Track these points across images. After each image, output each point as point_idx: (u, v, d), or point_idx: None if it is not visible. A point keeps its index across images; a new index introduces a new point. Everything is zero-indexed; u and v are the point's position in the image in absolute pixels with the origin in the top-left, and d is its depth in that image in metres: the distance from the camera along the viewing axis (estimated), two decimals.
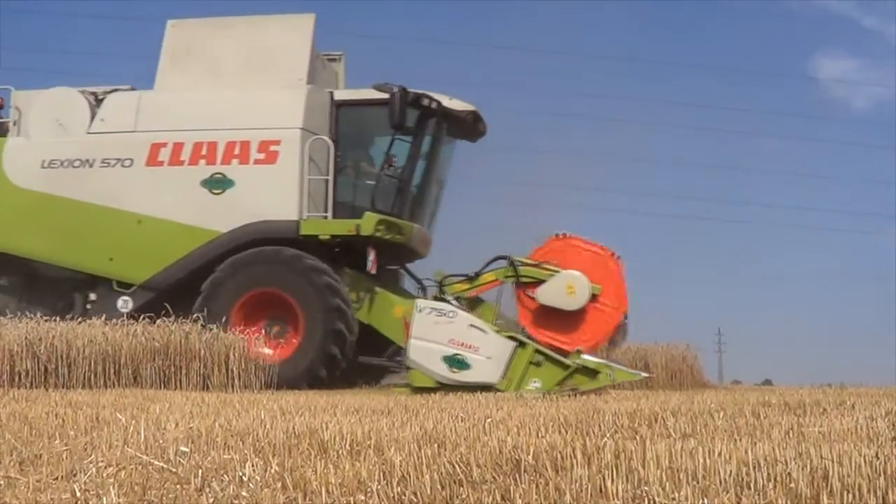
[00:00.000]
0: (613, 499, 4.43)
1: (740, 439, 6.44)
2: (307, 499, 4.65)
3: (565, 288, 16.94)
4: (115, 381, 15.44)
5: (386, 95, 18.06)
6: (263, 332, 17.47)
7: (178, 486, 4.95)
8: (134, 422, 7.67)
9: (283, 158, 18.11)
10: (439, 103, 18.45)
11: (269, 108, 18.52)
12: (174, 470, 5.32)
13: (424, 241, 19.70)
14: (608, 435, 6.83)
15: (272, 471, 5.18)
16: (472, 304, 17.38)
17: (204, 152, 18.37)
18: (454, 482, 4.89)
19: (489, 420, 8.19)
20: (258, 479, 5.00)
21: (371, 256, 17.88)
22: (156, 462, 5.51)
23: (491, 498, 4.53)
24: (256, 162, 18.20)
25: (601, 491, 4.55)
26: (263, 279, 17.78)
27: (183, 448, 5.96)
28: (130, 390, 14.17)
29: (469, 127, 19.49)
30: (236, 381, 15.89)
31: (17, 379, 15.18)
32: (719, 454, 5.33)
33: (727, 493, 4.47)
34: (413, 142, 18.52)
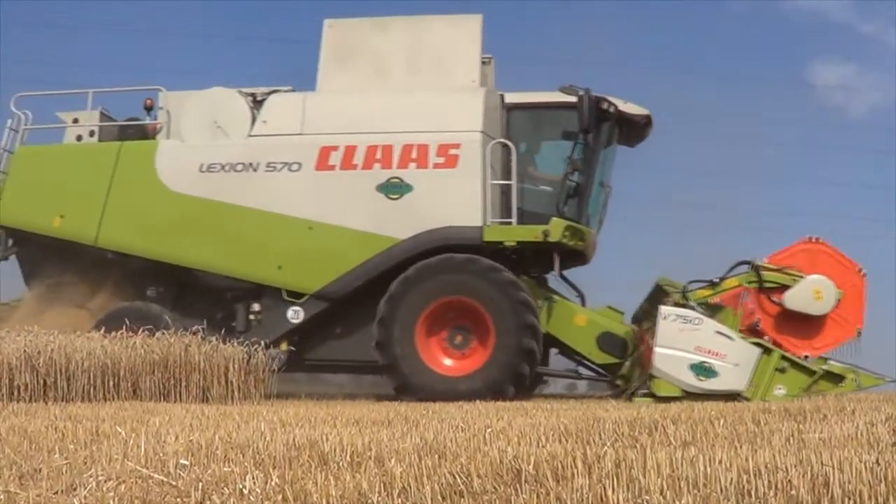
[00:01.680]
0: None
1: (741, 446, 6.44)
2: None
3: (812, 293, 16.66)
4: (114, 394, 15.39)
5: (559, 99, 17.84)
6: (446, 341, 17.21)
7: (178, 500, 4.96)
8: (134, 435, 7.66)
9: (463, 162, 17.46)
10: (616, 107, 18.08)
11: (447, 111, 17.91)
12: (174, 483, 5.31)
13: (594, 247, 19.16)
14: (608, 443, 6.83)
15: (273, 483, 5.17)
16: (713, 310, 16.88)
17: (379, 156, 17.70)
18: (455, 493, 4.89)
19: (489, 430, 8.18)
20: (259, 491, 5.00)
21: (557, 263, 17.67)
22: (156, 475, 5.51)
23: None
24: (436, 166, 17.53)
25: (602, 500, 4.55)
26: (455, 288, 17.14)
27: (183, 461, 5.96)
28: (130, 403, 14.14)
29: (639, 131, 19.06)
30: (236, 392, 15.85)
31: (16, 393, 15.12)
32: (720, 462, 5.32)
33: (728, 501, 4.48)
34: (591, 145, 18.06)
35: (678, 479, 4.89)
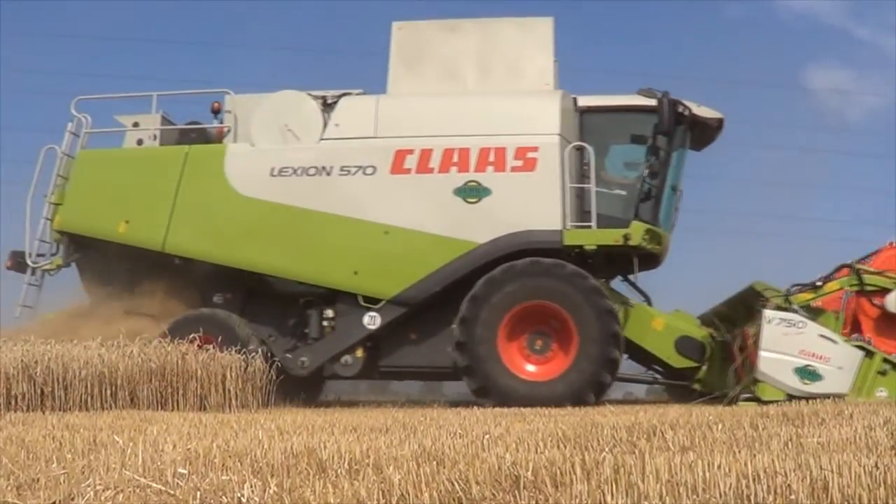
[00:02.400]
0: None
1: (739, 451, 6.43)
2: None
3: None
4: (111, 403, 15.38)
5: (635, 102, 17.87)
6: (526, 346, 17.08)
7: None
8: (131, 444, 7.65)
9: (542, 166, 17.30)
10: (690, 110, 18.05)
11: (524, 114, 17.77)
12: (172, 492, 5.30)
13: (666, 251, 19.00)
14: (607, 449, 6.82)
15: (271, 491, 5.16)
16: (815, 314, 16.59)
17: (455, 159, 17.54)
18: (453, 500, 4.88)
19: (487, 436, 8.17)
20: (257, 500, 4.99)
21: (636, 267, 17.72)
22: (154, 485, 5.50)
23: None
24: (514, 169, 17.37)
25: None
26: (540, 292, 16.94)
27: (181, 470, 5.94)
28: (128, 412, 14.13)
29: (709, 135, 19.00)
30: (234, 400, 15.86)
31: (13, 402, 15.10)
32: (719, 467, 5.32)
33: None
34: (667, 149, 18.05)
35: (677, 484, 4.88)
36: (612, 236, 17.23)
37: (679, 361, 17.80)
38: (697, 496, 4.67)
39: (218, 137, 19.14)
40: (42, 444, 8.01)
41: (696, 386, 17.67)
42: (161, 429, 9.91)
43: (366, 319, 17.65)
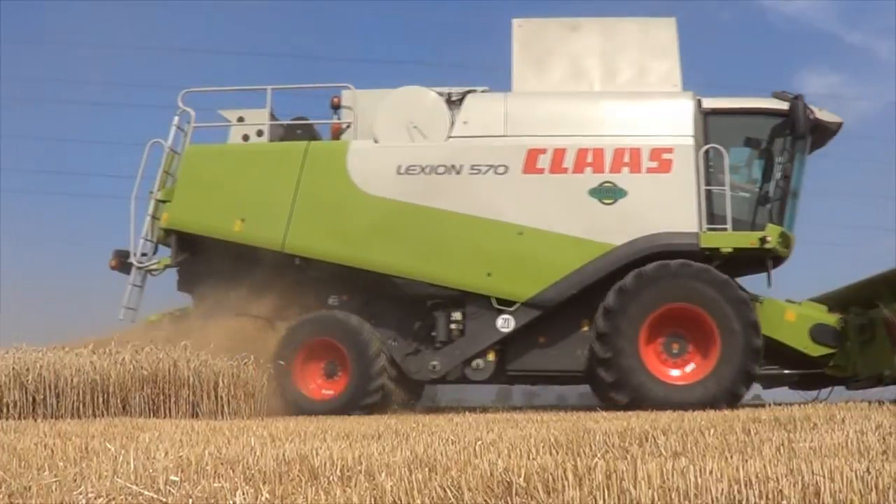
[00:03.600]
0: None
1: (731, 456, 6.44)
2: None
3: None
4: (103, 411, 15.38)
5: (764, 105, 17.86)
6: (663, 350, 16.99)
7: None
8: (123, 451, 7.64)
9: (677, 168, 17.20)
10: (813, 113, 17.95)
11: (657, 115, 17.68)
12: (164, 500, 5.30)
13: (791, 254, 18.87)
14: (599, 455, 6.82)
15: (263, 499, 5.15)
16: None
17: (590, 159, 17.33)
18: None
19: (480, 442, 8.17)
20: None
21: (770, 270, 17.62)
22: (146, 492, 5.49)
23: None
24: (649, 171, 17.22)
25: None
26: (675, 295, 16.84)
27: (173, 477, 5.94)
28: (120, 419, 14.11)
29: (826, 138, 18.87)
30: (226, 407, 15.85)
31: (5, 410, 15.12)
32: (710, 472, 5.32)
33: None
34: (796, 152, 18.00)
35: (669, 490, 4.88)
36: (749, 239, 17.26)
37: (816, 350, 17.60)
38: (689, 502, 4.68)
39: (334, 134, 18.75)
40: (34, 452, 7.99)
41: (830, 371, 17.62)
42: (153, 436, 9.90)
43: (499, 322, 17.41)
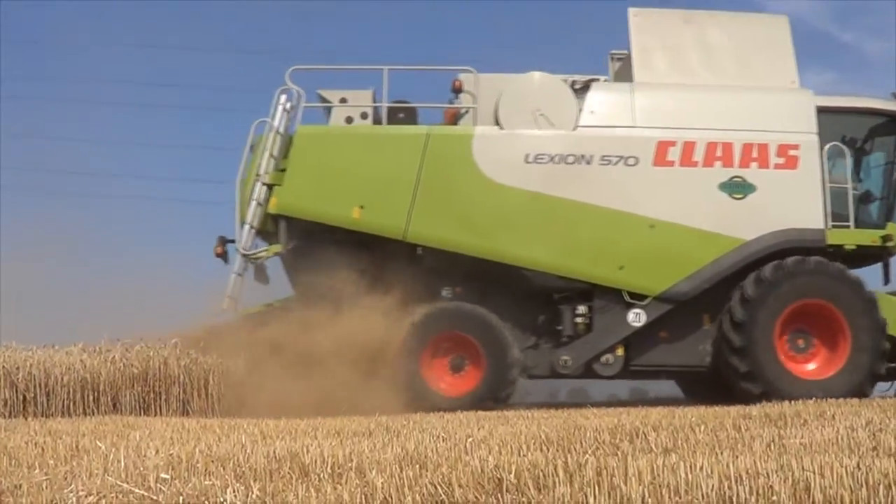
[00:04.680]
0: None
1: (722, 453, 6.45)
2: None
3: None
4: (94, 409, 15.34)
5: (878, 105, 17.90)
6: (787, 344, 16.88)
7: None
8: (114, 449, 7.63)
9: (803, 164, 17.15)
10: None
11: (782, 112, 17.56)
12: (155, 497, 5.29)
13: None
14: (590, 452, 6.83)
15: (253, 496, 5.15)
16: None
17: (719, 153, 17.19)
18: (436, 503, 4.88)
19: (470, 439, 8.17)
20: None
21: (889, 267, 17.68)
22: (136, 490, 5.48)
23: None
24: (776, 167, 17.15)
25: None
26: (812, 290, 16.79)
27: (163, 475, 5.93)
28: (110, 417, 14.08)
29: None
30: (216, 405, 15.82)
31: None
32: (701, 468, 5.33)
33: None
34: None
35: (659, 486, 4.89)
36: (871, 237, 17.35)
37: None
38: (680, 498, 4.68)
39: (450, 118, 18.18)
40: (24, 451, 7.98)
41: None
42: (144, 434, 9.87)
43: (630, 316, 17.19)
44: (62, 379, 15.33)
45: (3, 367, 15.21)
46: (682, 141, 17.18)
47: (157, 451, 7.54)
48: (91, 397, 15.44)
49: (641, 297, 17.14)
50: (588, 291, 17.31)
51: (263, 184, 17.39)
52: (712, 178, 17.13)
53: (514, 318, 17.33)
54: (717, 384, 17.47)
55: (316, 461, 6.49)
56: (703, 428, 8.73)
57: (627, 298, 17.09)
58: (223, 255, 17.95)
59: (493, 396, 16.64)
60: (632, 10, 18.20)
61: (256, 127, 17.75)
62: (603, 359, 17.33)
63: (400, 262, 17.09)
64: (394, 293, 16.77)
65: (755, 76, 17.80)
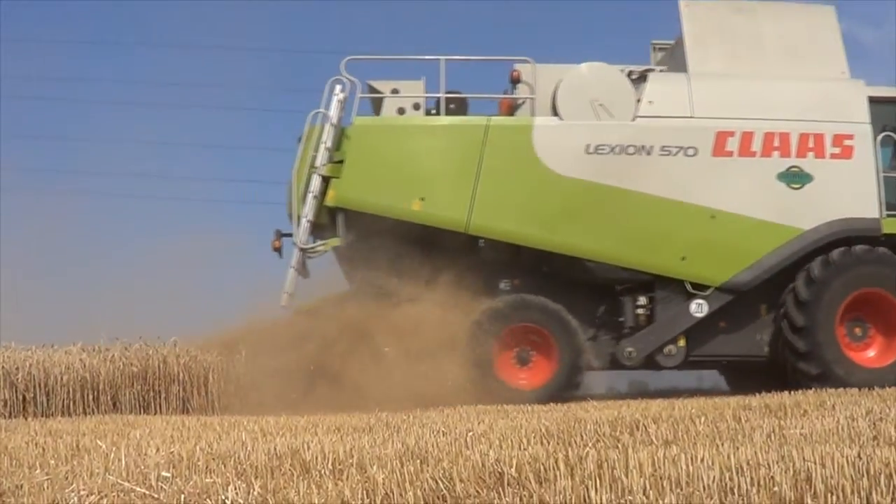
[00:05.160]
0: None
1: (722, 444, 6.45)
2: None
3: None
4: (94, 408, 15.35)
5: None
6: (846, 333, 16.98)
7: None
8: (115, 448, 7.63)
9: (858, 154, 17.16)
10: None
11: (837, 101, 17.54)
12: (156, 496, 5.29)
13: None
14: (590, 444, 6.83)
15: (255, 493, 5.15)
16: None
17: (776, 144, 17.17)
18: (437, 498, 4.89)
19: (471, 434, 8.17)
20: (241, 502, 4.99)
21: None
22: (138, 488, 5.48)
23: None
24: (832, 156, 17.18)
25: (585, 501, 4.55)
26: (876, 279, 16.90)
27: (164, 473, 5.93)
28: (110, 416, 14.08)
29: None
30: (216, 403, 15.82)
31: None
32: (702, 460, 5.33)
33: (711, 499, 4.48)
34: None
35: (661, 478, 4.89)
36: None
37: None
38: (681, 490, 4.68)
39: (506, 109, 17.95)
40: (25, 451, 7.98)
41: None
42: (144, 433, 9.88)
43: (692, 307, 17.16)
44: (62, 378, 15.34)
45: (3, 367, 15.22)
46: (740, 131, 17.19)
47: (157, 450, 7.55)
48: (91, 396, 15.45)
49: (703, 287, 17.15)
50: (649, 282, 17.32)
51: (320, 176, 17.16)
52: (770, 169, 17.16)
53: (574, 309, 17.22)
54: (763, 374, 17.55)
55: (317, 457, 6.49)
56: (703, 419, 8.73)
57: (690, 289, 17.12)
58: (280, 250, 17.68)
59: (566, 388, 16.70)
60: (683, 1, 18.16)
61: (312, 118, 17.42)
62: (665, 350, 17.28)
63: (457, 254, 16.97)
64: (453, 286, 16.61)
65: (806, 67, 17.81)
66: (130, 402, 15.55)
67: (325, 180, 17.11)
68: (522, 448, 6.69)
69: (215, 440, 8.48)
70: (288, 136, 17.54)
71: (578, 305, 17.28)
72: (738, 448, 6.05)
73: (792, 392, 13.36)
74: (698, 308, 17.08)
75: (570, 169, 16.98)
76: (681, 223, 17.02)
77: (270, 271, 17.72)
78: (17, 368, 15.26)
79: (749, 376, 18.13)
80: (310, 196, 17.07)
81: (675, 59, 18.39)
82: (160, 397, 15.73)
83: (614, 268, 17.11)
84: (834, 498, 4.38)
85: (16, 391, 15.15)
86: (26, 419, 14.01)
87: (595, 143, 16.99)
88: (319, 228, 17.43)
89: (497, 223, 17.05)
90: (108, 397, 15.51)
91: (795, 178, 17.12)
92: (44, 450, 8.04)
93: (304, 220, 17.02)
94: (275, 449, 7.11)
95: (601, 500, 4.50)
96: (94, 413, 15.10)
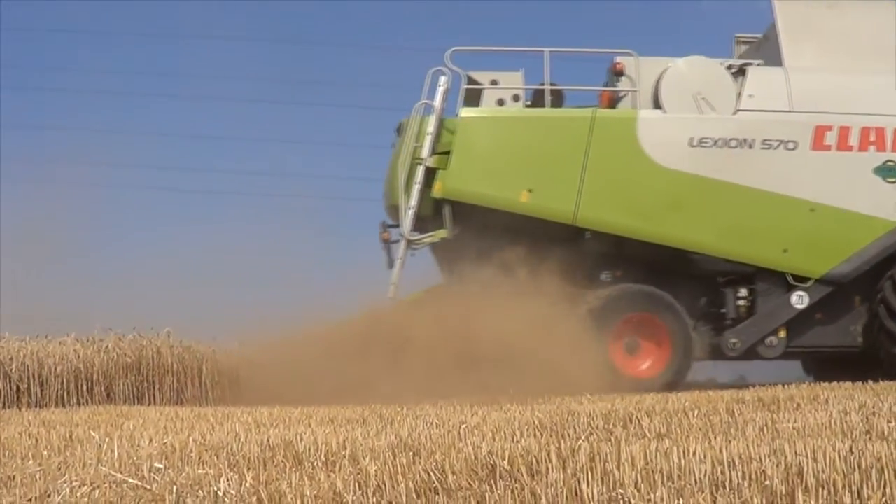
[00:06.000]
0: (589, 502, 4.43)
1: (715, 437, 6.46)
2: None
3: None
4: (87, 399, 15.38)
5: None
6: None
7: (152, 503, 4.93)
8: (108, 439, 7.63)
9: None
10: None
11: None
12: (148, 487, 5.29)
13: None
14: (583, 437, 6.84)
15: (247, 485, 5.15)
16: None
17: (872, 138, 17.54)
18: (430, 490, 4.89)
19: (464, 426, 8.17)
20: (233, 493, 4.98)
21: None
22: (130, 480, 5.48)
23: None
24: None
25: (576, 494, 4.55)
26: None
27: (157, 464, 5.93)
28: (104, 407, 14.07)
29: None
30: (210, 394, 15.84)
31: None
32: (694, 454, 5.34)
33: (702, 492, 4.48)
34: None
35: (652, 471, 4.89)
36: None
37: None
38: (673, 483, 4.68)
39: (607, 102, 18.14)
40: (18, 442, 7.97)
41: None
42: (137, 423, 9.88)
43: (793, 299, 17.49)
44: (55, 369, 15.36)
45: None
46: (837, 125, 17.49)
47: (150, 441, 7.55)
48: (85, 387, 15.48)
49: (803, 279, 17.51)
50: (750, 274, 17.65)
51: (427, 167, 17.32)
52: (867, 163, 17.52)
53: (678, 300, 17.53)
54: (847, 366, 17.94)
55: (310, 449, 6.49)
56: (696, 413, 8.74)
57: (791, 281, 17.49)
58: (389, 240, 17.95)
59: (677, 377, 17.05)
60: None
61: (418, 109, 17.56)
62: (767, 341, 17.65)
63: (560, 245, 17.07)
64: (558, 277, 16.72)
65: (891, 61, 18.00)
66: (124, 393, 15.60)
67: (430, 171, 17.27)
68: (515, 440, 6.69)
69: (208, 431, 8.48)
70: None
71: (681, 297, 17.56)
72: (730, 441, 6.06)
73: (786, 385, 13.41)
74: (799, 300, 17.48)
75: (674, 161, 17.35)
76: (782, 216, 17.41)
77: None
78: (11, 359, 15.27)
79: (831, 366, 18.64)
80: (416, 187, 17.26)
81: (763, 53, 18.64)
82: (154, 388, 15.77)
83: (717, 260, 17.48)
84: (825, 492, 4.38)
85: (9, 382, 15.17)
86: (20, 410, 14.03)
87: (699, 137, 17.37)
88: (420, 220, 17.54)
89: (603, 214, 17.31)
90: (102, 388, 15.55)
91: (891, 171, 17.56)
92: (37, 440, 8.03)
93: (410, 212, 17.23)
94: (268, 440, 7.11)
95: (592, 493, 4.50)
96: (87, 404, 15.11)
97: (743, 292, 17.68)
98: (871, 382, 13.28)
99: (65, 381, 15.37)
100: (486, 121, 17.77)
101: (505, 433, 7.45)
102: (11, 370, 15.17)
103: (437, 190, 17.23)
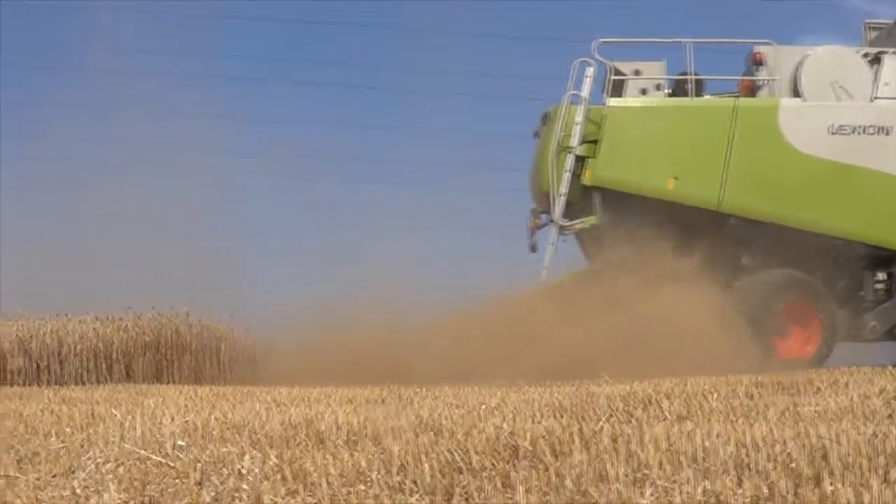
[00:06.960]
0: (615, 482, 4.42)
1: (737, 420, 6.46)
2: (308, 490, 4.63)
3: None
4: (107, 377, 15.44)
5: None
6: None
7: (177, 481, 4.94)
8: (129, 417, 7.65)
9: None
10: None
11: None
12: (172, 464, 5.30)
13: None
14: (604, 419, 6.84)
15: (271, 463, 5.16)
16: None
17: None
18: (454, 470, 4.89)
19: (484, 407, 8.19)
20: (257, 471, 4.99)
21: None
22: (154, 457, 5.50)
23: (492, 484, 4.53)
24: None
25: (602, 475, 4.55)
26: None
27: (180, 442, 5.95)
28: (123, 385, 14.12)
29: None
30: (228, 373, 15.88)
31: (9, 377, 15.16)
32: (717, 435, 5.34)
33: (727, 474, 4.48)
34: None
35: (676, 452, 4.90)
36: None
37: None
38: (697, 464, 4.69)
39: (746, 90, 18.45)
40: (40, 418, 8.02)
41: None
42: (158, 402, 9.92)
43: None
44: (75, 347, 15.43)
45: (17, 335, 15.29)
46: None
47: (172, 419, 7.56)
48: (104, 365, 15.55)
49: None
50: (888, 258, 17.95)
51: (577, 155, 17.66)
52: None
53: (828, 282, 17.88)
54: None
55: (331, 428, 6.50)
56: (715, 396, 8.73)
57: None
58: (540, 226, 18.45)
59: (825, 358, 17.27)
60: None
61: (568, 99, 17.88)
62: None
63: (703, 231, 17.48)
64: (704, 262, 17.04)
65: None
66: (143, 372, 15.64)
67: (579, 160, 17.62)
68: (536, 421, 6.70)
69: (229, 410, 8.51)
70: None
71: (822, 280, 17.87)
72: (752, 424, 6.06)
73: (805, 370, 13.37)
74: None
75: (814, 148, 17.67)
76: None
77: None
78: (31, 337, 15.33)
79: None
80: (566, 175, 17.59)
81: (886, 40, 18.79)
82: (173, 367, 15.83)
83: (857, 245, 17.81)
84: (851, 476, 4.38)
85: (30, 359, 15.23)
86: (40, 387, 14.08)
87: (837, 124, 17.66)
88: (568, 207, 17.81)
89: (747, 201, 17.67)
90: (122, 366, 15.61)
91: None
92: (59, 417, 8.07)
93: (561, 199, 17.55)
94: (289, 419, 7.14)
95: (618, 473, 4.51)
96: (107, 382, 15.16)
97: (881, 276, 18.00)
98: (890, 367, 13.27)
99: (84, 359, 15.44)
100: (633, 111, 18.23)
101: (525, 414, 7.46)
102: (32, 348, 15.23)
103: (587, 178, 17.64)
